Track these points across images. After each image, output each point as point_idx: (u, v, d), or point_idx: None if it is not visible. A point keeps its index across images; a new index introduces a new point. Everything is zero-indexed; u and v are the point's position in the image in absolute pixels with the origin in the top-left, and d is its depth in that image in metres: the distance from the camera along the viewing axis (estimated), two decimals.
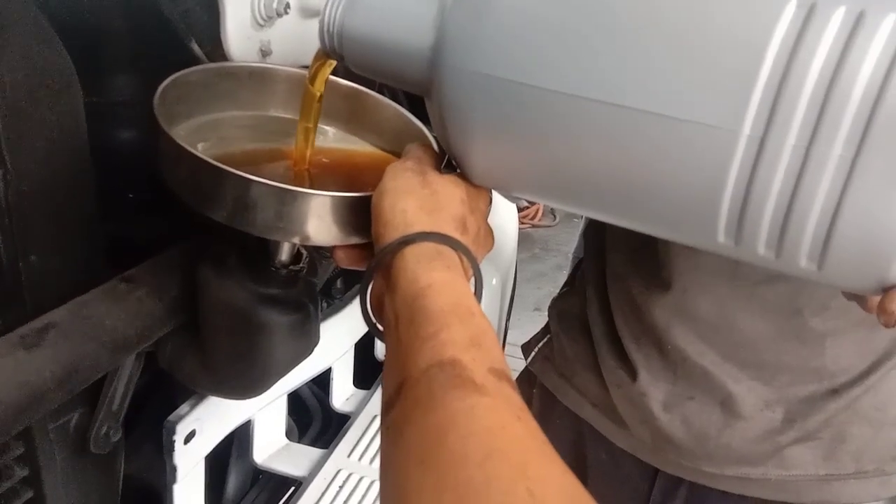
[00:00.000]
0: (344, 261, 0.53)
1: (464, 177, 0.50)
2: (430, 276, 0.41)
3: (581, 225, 0.84)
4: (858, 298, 0.43)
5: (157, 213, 0.78)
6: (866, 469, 0.65)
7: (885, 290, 0.39)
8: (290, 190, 0.50)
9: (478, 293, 0.45)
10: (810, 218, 0.38)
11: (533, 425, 0.34)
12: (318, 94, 0.56)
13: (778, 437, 0.65)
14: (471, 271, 0.46)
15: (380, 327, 0.46)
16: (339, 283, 1.08)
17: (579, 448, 0.77)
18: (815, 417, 0.64)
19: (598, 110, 0.41)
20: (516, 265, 1.40)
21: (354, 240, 0.52)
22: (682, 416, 0.67)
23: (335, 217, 0.51)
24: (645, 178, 0.42)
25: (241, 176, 0.49)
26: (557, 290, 0.86)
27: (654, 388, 0.68)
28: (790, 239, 0.39)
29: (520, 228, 1.49)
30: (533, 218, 4.00)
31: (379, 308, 0.46)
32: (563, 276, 0.86)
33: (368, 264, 0.46)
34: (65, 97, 0.58)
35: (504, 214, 1.31)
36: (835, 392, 0.64)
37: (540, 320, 0.86)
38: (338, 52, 0.51)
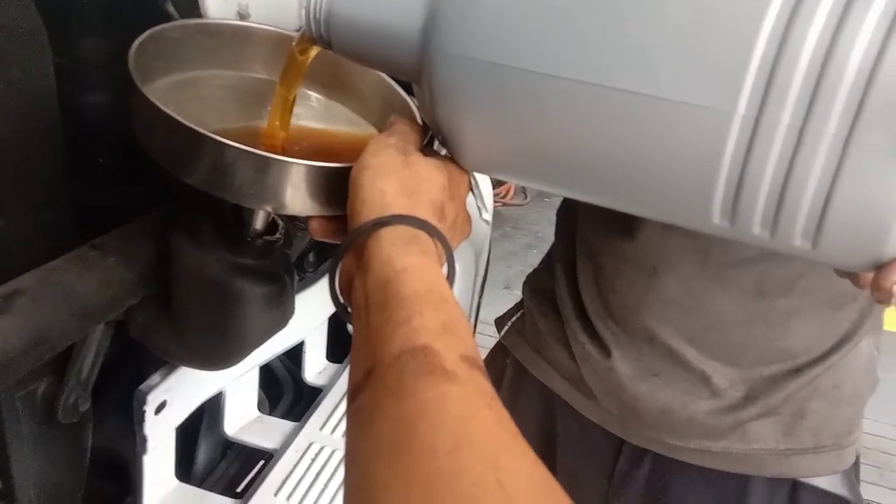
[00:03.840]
0: (318, 232, 0.52)
1: (447, 161, 0.50)
2: (405, 260, 0.40)
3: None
4: (852, 276, 0.43)
5: (129, 180, 0.77)
6: (824, 444, 0.67)
7: (879, 268, 0.39)
8: (266, 157, 0.49)
9: (451, 280, 0.44)
10: (805, 197, 0.38)
11: (504, 415, 0.33)
12: (303, 66, 0.55)
13: (740, 413, 0.66)
14: (444, 258, 0.45)
15: (348, 308, 0.45)
16: (311, 257, 1.07)
17: (549, 418, 0.79)
18: (777, 395, 0.66)
19: (591, 93, 0.41)
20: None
21: (330, 211, 0.51)
22: (647, 390, 0.68)
23: (312, 187, 0.50)
24: (639, 161, 0.42)
25: (216, 140, 0.48)
26: (528, 269, 0.86)
27: (621, 364, 0.69)
28: (785, 218, 0.39)
29: None
30: (504, 197, 4.01)
31: (347, 288, 0.45)
32: (533, 255, 0.87)
33: (342, 241, 0.45)
34: (34, 56, 0.57)
35: (485, 197, 1.30)
36: (797, 371, 0.66)
37: (510, 298, 0.87)
38: (325, 38, 0.51)
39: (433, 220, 0.44)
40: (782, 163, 0.38)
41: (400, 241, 0.42)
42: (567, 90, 0.42)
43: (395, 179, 0.45)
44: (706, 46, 0.38)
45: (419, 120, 0.56)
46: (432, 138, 0.53)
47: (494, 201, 3.90)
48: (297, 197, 0.50)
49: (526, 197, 4.11)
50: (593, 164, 0.44)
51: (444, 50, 0.44)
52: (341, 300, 0.46)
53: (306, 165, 0.49)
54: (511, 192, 4.04)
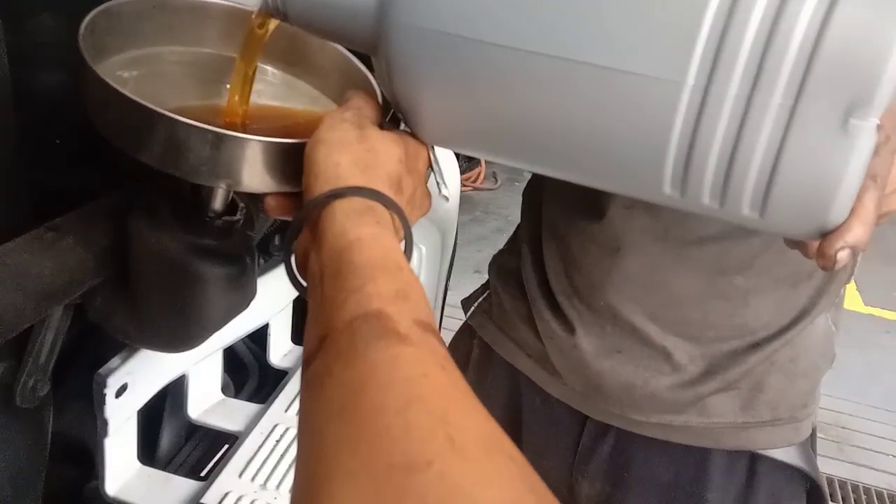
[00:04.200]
0: (275, 210, 0.52)
1: (404, 135, 0.50)
2: (359, 230, 0.40)
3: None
4: (799, 245, 0.44)
5: (86, 162, 0.76)
6: (781, 417, 0.68)
7: (824, 235, 0.40)
8: (219, 133, 0.48)
9: (408, 254, 0.44)
10: (752, 166, 0.39)
11: (456, 374, 0.33)
12: (262, 40, 0.54)
13: (700, 388, 0.68)
14: (402, 232, 0.45)
15: (303, 282, 0.45)
16: (276, 240, 1.06)
17: (515, 396, 0.79)
18: (736, 370, 0.67)
19: (544, 64, 0.41)
20: (457, 227, 1.40)
21: (286, 188, 0.51)
22: (610, 367, 0.69)
23: (266, 163, 0.49)
24: (591, 132, 0.42)
25: (168, 116, 0.48)
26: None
27: (584, 341, 0.70)
28: (733, 188, 0.40)
29: (461, 191, 1.49)
30: (475, 181, 4.02)
31: (304, 263, 0.44)
32: (503, 240, 0.87)
33: (295, 216, 0.44)
34: None
35: (446, 174, 1.30)
36: (755, 346, 0.67)
37: (479, 282, 0.87)
38: (281, 10, 0.50)
39: (389, 193, 0.44)
40: (730, 133, 0.39)
41: (354, 211, 0.41)
42: (520, 61, 0.42)
43: (350, 153, 0.45)
44: (657, 18, 0.39)
45: (378, 94, 0.55)
46: (394, 114, 0.52)
47: (464, 185, 3.90)
48: (252, 173, 0.50)
49: (496, 181, 4.12)
50: (549, 136, 0.44)
51: (401, 21, 0.44)
52: (297, 276, 0.45)
53: (260, 141, 0.49)
54: (481, 177, 4.05)
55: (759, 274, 0.65)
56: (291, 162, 0.48)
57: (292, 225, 0.45)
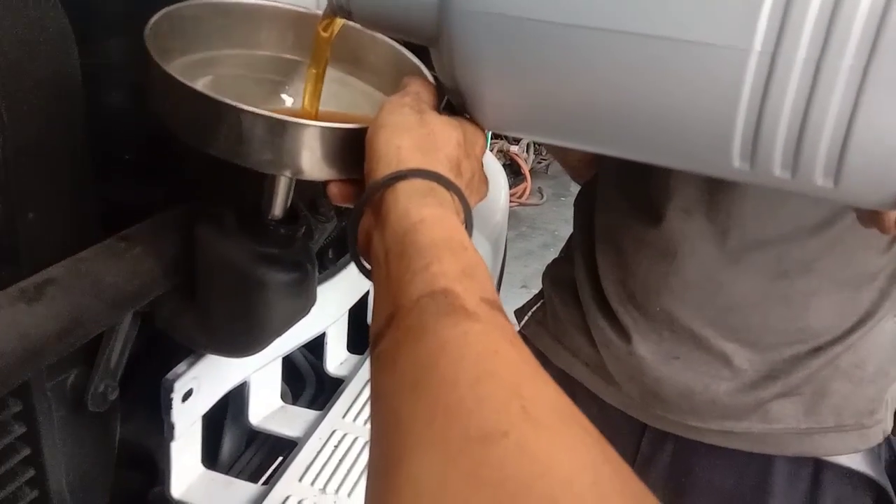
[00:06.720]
0: (337, 197, 0.53)
1: (462, 119, 0.50)
2: (422, 211, 0.40)
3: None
4: (875, 218, 0.43)
5: (152, 177, 0.79)
6: (846, 423, 0.67)
7: None
8: (283, 120, 0.49)
9: (468, 234, 0.44)
10: (824, 133, 0.37)
11: (526, 351, 0.33)
12: (328, 42, 0.56)
13: (761, 393, 0.67)
14: (462, 213, 0.45)
15: (366, 264, 0.45)
16: (330, 253, 1.08)
17: None
18: (798, 374, 0.66)
19: (608, 39, 0.41)
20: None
21: (348, 174, 0.51)
22: (668, 373, 0.69)
23: (328, 150, 0.50)
24: (658, 106, 0.42)
25: (232, 105, 0.49)
26: (544, 268, 0.87)
27: (641, 348, 0.70)
28: (805, 156, 0.38)
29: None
30: (521, 196, 4.02)
31: (366, 245, 0.45)
32: (550, 254, 0.88)
33: (359, 198, 0.45)
34: (62, 56, 0.59)
35: (494, 186, 1.31)
36: (817, 350, 0.66)
37: (527, 297, 0.87)
38: (345, 8, 0.51)
39: (450, 176, 0.44)
40: (800, 99, 0.37)
41: (416, 193, 0.42)
42: (584, 38, 0.41)
43: (411, 136, 0.45)
44: None
45: (432, 83, 0.56)
46: (449, 103, 0.53)
47: (510, 201, 3.90)
48: (314, 161, 0.50)
49: (542, 196, 4.12)
50: (615, 113, 0.44)
51: (461, 8, 0.45)
52: (361, 259, 0.46)
53: (322, 127, 0.49)
54: (527, 192, 4.05)
55: (821, 277, 0.64)
56: (353, 148, 0.49)
57: (355, 207, 0.46)
